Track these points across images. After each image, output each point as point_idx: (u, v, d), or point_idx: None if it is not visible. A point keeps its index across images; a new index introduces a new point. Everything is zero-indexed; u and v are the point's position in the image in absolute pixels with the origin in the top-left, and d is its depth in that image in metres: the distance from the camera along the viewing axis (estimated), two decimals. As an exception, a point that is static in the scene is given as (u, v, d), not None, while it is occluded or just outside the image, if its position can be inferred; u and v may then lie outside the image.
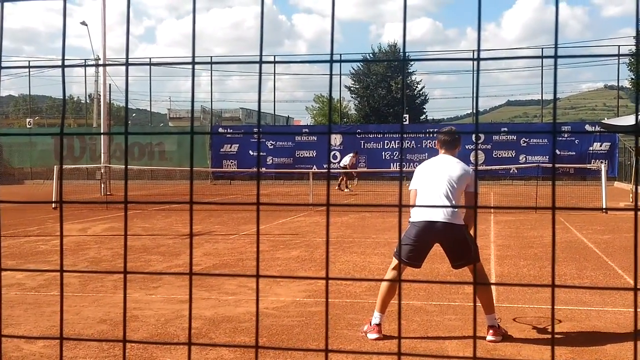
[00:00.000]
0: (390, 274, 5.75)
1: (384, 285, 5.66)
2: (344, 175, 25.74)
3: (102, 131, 25.89)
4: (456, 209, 5.47)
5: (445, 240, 5.54)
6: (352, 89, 51.04)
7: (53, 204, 18.20)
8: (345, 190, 25.23)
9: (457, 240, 5.51)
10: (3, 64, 1.67)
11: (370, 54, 50.97)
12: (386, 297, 5.58)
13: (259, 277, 1.27)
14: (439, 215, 5.47)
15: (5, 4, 1.64)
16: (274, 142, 33.49)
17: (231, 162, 33.74)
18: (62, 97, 1.49)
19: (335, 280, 7.27)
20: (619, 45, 36.19)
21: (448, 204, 5.51)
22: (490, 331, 5.40)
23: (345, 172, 25.51)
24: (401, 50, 49.73)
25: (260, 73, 1.29)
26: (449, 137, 5.90)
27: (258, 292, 1.35)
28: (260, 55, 1.22)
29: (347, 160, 26.08)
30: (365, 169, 29.84)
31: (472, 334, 5.61)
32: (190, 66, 1.29)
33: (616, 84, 35.69)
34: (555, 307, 1.38)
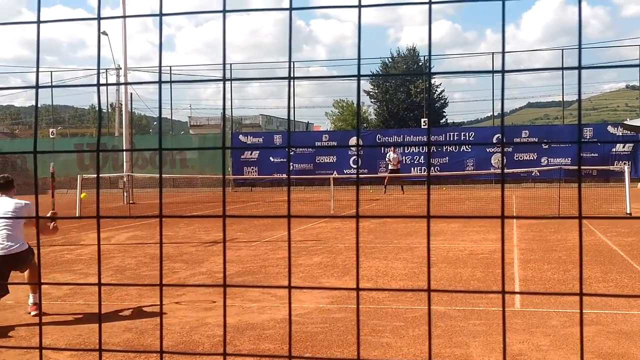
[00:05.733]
0: None
1: None
2: (389, 177, 25.34)
3: (124, 140, 26.11)
4: (19, 241, 6.75)
5: (16, 267, 6.85)
6: (371, 93, 51.01)
7: (77, 213, 18.37)
8: (402, 193, 24.92)
9: (25, 264, 6.92)
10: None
11: (389, 58, 50.93)
12: None
13: (291, 289, 1.28)
14: (3, 250, 6.64)
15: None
16: (294, 149, 33.55)
17: (252, 169, 33.86)
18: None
19: (358, 286, 7.26)
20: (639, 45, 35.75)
21: (11, 235, 6.72)
22: (34, 306, 6.86)
23: (392, 174, 25.17)
24: (420, 54, 49.59)
25: (289, 88, 1.31)
26: (2, 180, 7.26)
27: (290, 302, 1.37)
28: (290, 69, 1.24)
29: (391, 159, 25.91)
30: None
31: (496, 338, 5.58)
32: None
33: (638, 85, 35.32)
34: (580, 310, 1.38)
